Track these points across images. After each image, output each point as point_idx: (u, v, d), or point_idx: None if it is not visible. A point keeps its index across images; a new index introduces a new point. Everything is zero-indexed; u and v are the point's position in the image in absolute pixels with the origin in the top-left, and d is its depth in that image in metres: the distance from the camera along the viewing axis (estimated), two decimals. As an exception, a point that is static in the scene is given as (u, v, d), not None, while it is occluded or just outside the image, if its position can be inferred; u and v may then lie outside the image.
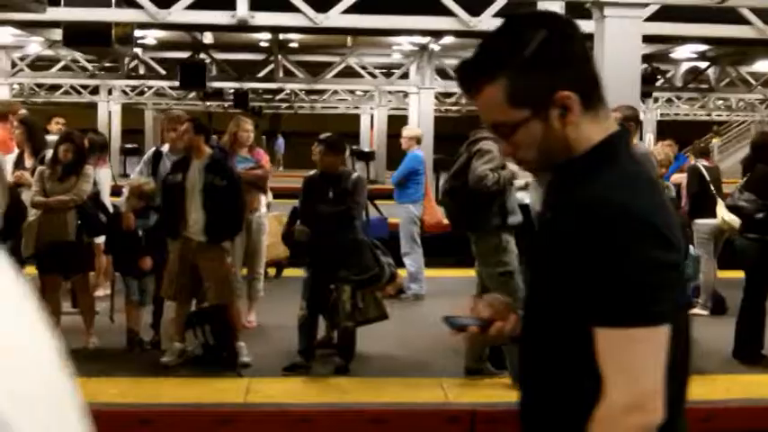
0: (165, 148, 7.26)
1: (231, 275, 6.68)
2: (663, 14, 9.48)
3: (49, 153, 7.84)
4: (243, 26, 9.58)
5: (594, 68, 1.77)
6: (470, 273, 6.83)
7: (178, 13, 9.52)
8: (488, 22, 9.82)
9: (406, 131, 10.17)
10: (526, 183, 6.64)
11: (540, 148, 1.72)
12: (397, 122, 30.01)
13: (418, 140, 10.01)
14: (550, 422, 1.77)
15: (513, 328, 1.92)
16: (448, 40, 17.55)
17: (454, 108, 29.10)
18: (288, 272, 9.71)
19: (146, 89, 28.27)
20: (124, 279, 7.15)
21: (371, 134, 33.68)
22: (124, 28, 10.02)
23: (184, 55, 18.51)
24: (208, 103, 30.29)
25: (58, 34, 18.64)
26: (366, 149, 30.58)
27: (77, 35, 9.69)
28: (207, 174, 6.45)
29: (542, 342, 1.77)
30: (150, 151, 7.41)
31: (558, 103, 1.68)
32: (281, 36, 18.47)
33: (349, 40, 19.40)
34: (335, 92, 29.32)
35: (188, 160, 6.56)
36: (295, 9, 9.34)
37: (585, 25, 9.57)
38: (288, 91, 29.22)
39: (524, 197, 6.59)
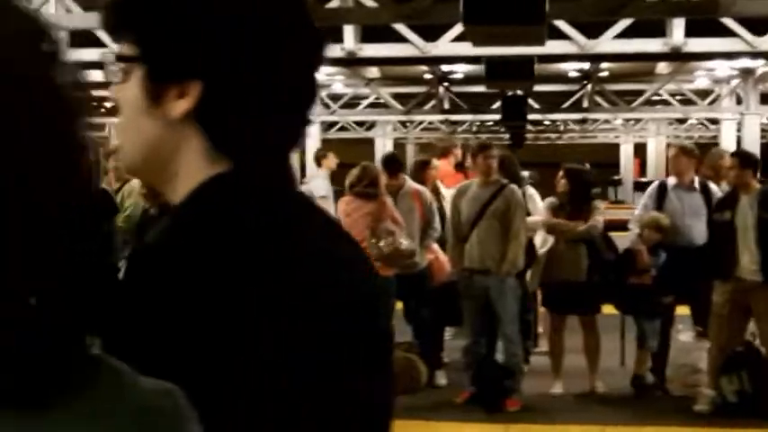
0: (671, 180, 6.90)
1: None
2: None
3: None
4: (677, 54, 9.19)
5: None
6: None
7: (606, 43, 9.27)
8: None
9: None
10: None
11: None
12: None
13: None
14: None
15: None
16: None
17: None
18: None
19: (408, 124, 28.67)
20: (636, 321, 6.82)
21: (636, 164, 32.72)
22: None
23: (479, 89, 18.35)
24: (466, 136, 30.29)
25: (371, 72, 19.13)
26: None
27: (500, 70, 9.59)
28: (760, 209, 6.06)
29: None
30: (655, 184, 7.10)
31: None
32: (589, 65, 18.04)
33: (661, 66, 18.71)
34: (606, 121, 28.49)
35: (735, 196, 6.20)
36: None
37: None
38: (559, 122, 28.78)
39: None
